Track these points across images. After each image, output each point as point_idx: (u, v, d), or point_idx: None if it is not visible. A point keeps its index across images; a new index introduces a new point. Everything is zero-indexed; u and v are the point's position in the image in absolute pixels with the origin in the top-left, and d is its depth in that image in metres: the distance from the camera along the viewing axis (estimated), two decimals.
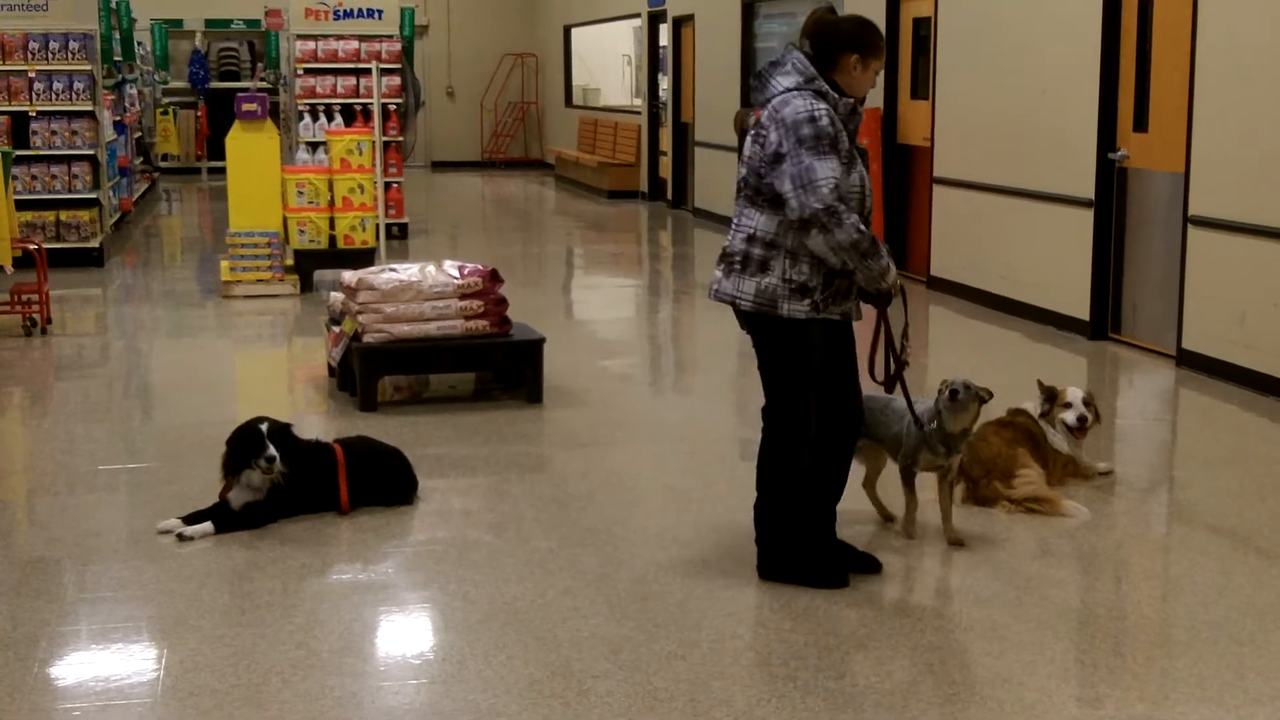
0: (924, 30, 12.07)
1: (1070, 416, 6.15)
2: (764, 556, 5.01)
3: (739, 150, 15.66)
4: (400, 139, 15.71)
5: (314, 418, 7.47)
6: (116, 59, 15.83)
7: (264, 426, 5.65)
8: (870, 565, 5.10)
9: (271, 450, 5.58)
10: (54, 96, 13.16)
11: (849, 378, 5.07)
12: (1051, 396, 6.23)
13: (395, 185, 15.29)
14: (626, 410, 7.77)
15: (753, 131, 4.80)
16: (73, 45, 13.19)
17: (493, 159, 27.04)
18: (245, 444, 5.64)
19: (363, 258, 11.34)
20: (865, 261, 4.77)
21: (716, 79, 17.15)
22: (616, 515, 5.82)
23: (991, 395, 5.53)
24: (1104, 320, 9.53)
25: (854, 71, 4.84)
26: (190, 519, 5.57)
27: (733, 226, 4.89)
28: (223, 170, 12.30)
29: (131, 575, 5.13)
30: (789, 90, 4.74)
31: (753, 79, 4.90)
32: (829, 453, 5.05)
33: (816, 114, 4.66)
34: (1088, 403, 6.22)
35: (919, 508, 5.53)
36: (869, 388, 5.21)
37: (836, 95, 4.77)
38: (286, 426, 5.76)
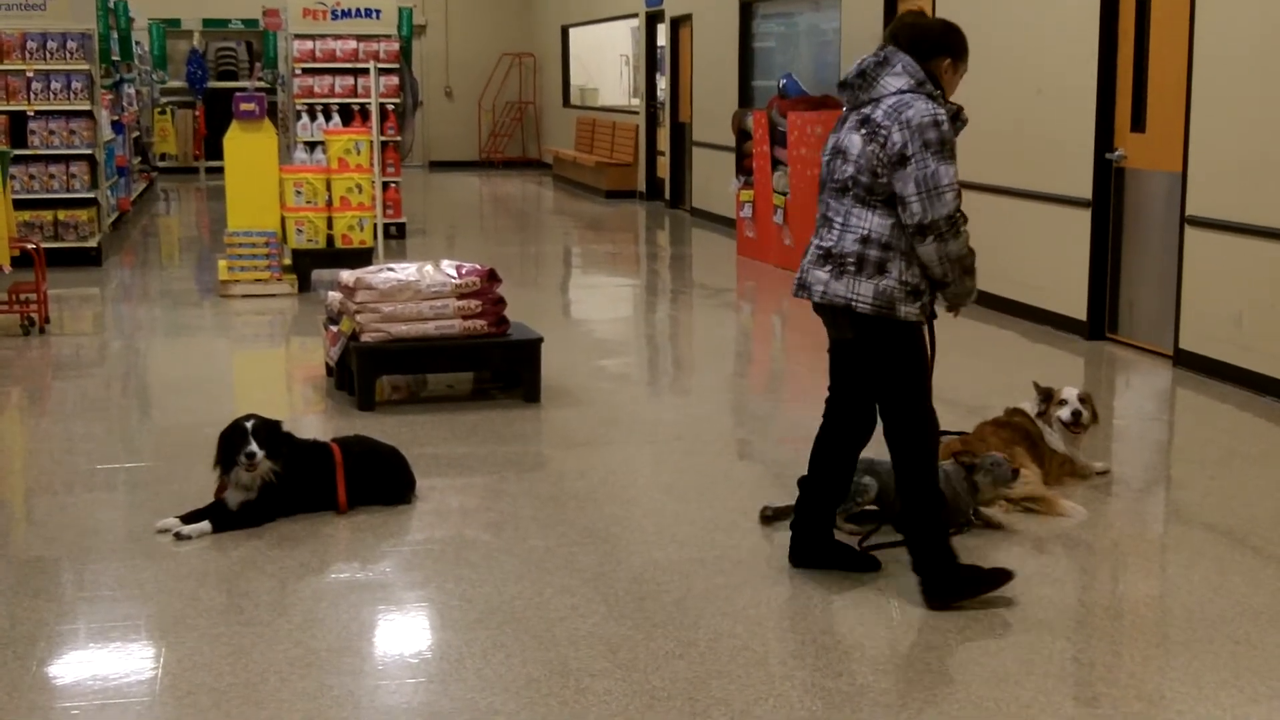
0: None
1: (1065, 412, 6.17)
2: (932, 583, 4.80)
3: (737, 149, 15.62)
4: (398, 139, 15.71)
5: (312, 417, 7.48)
6: (114, 59, 15.83)
7: (249, 424, 5.65)
8: (869, 565, 5.11)
9: (252, 446, 5.57)
10: (52, 96, 13.16)
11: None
12: (1048, 396, 6.25)
13: (393, 185, 15.30)
14: (624, 410, 7.77)
15: (864, 131, 4.65)
16: (70, 45, 13.19)
17: (490, 159, 27.05)
18: (231, 442, 5.65)
19: (360, 257, 11.34)
20: (964, 277, 4.72)
21: (714, 79, 17.15)
22: (614, 514, 5.83)
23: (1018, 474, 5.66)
24: (1101, 320, 9.54)
25: (945, 75, 4.78)
26: (188, 518, 5.58)
27: (836, 226, 4.74)
28: (220, 170, 12.31)
29: (129, 574, 5.13)
30: (904, 91, 4.64)
31: (852, 75, 4.75)
32: (841, 454, 5.04)
33: (940, 118, 4.59)
34: (1083, 400, 6.24)
35: None
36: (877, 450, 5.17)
37: (943, 100, 4.72)
38: (274, 423, 5.75)
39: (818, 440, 5.12)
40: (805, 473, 5.18)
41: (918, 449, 4.85)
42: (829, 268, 4.73)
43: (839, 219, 4.75)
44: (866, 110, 4.70)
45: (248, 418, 5.70)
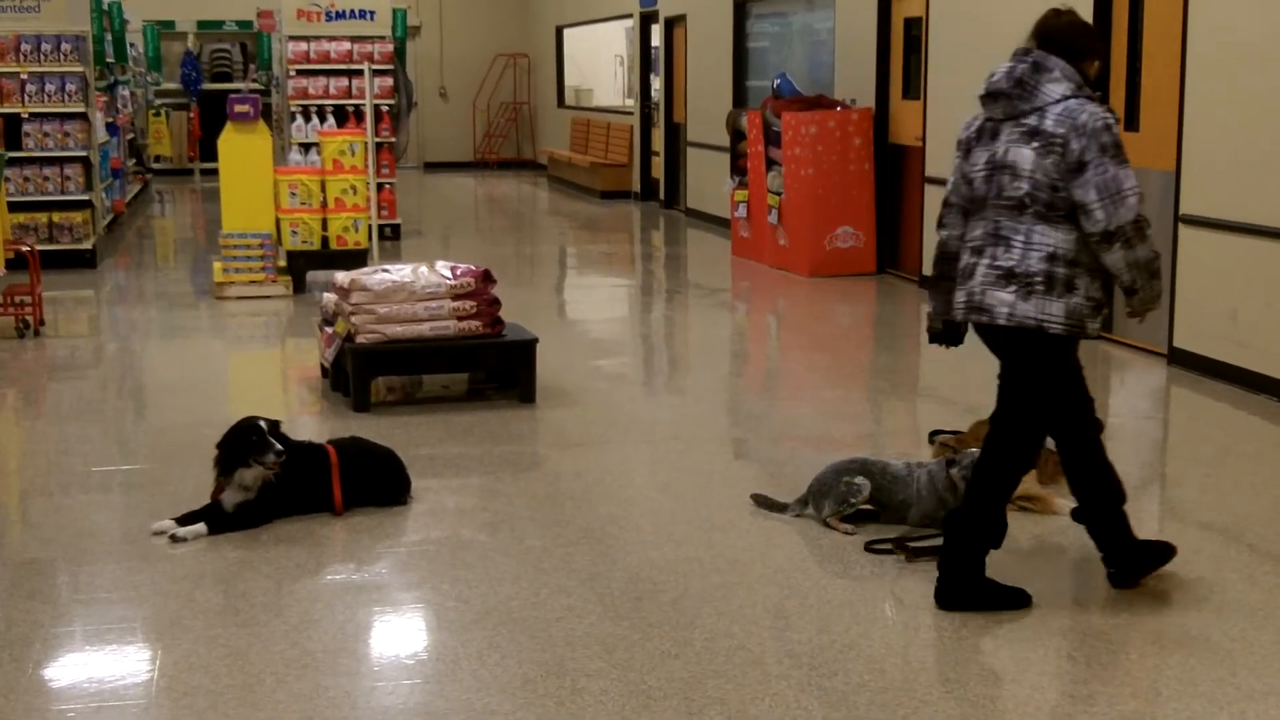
0: (915, 30, 12.10)
1: None
2: (958, 591, 4.76)
3: (731, 150, 15.62)
4: (393, 140, 15.70)
5: (307, 418, 7.47)
6: (109, 61, 15.82)
7: (263, 424, 5.67)
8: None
9: (279, 445, 5.60)
10: (46, 98, 13.15)
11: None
12: None
13: (388, 186, 15.29)
14: (619, 410, 7.78)
15: (1036, 144, 4.49)
16: (65, 47, 13.19)
17: (485, 160, 27.04)
18: (243, 442, 5.64)
19: (355, 259, 11.34)
20: (1152, 281, 4.60)
21: (708, 79, 17.15)
22: (610, 514, 5.83)
23: None
24: None
25: (1092, 77, 4.67)
26: (183, 520, 5.58)
27: (1017, 245, 4.56)
28: (215, 172, 12.29)
29: (125, 576, 5.13)
30: (1068, 98, 4.51)
31: (1006, 85, 4.58)
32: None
33: (1110, 121, 4.47)
34: None
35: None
36: (852, 449, 5.20)
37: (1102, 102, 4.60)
38: (278, 424, 5.78)
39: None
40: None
41: (1018, 467, 4.79)
42: (1013, 288, 4.55)
43: (1019, 237, 4.56)
44: (1031, 121, 4.53)
45: (255, 419, 5.71)
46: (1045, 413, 4.76)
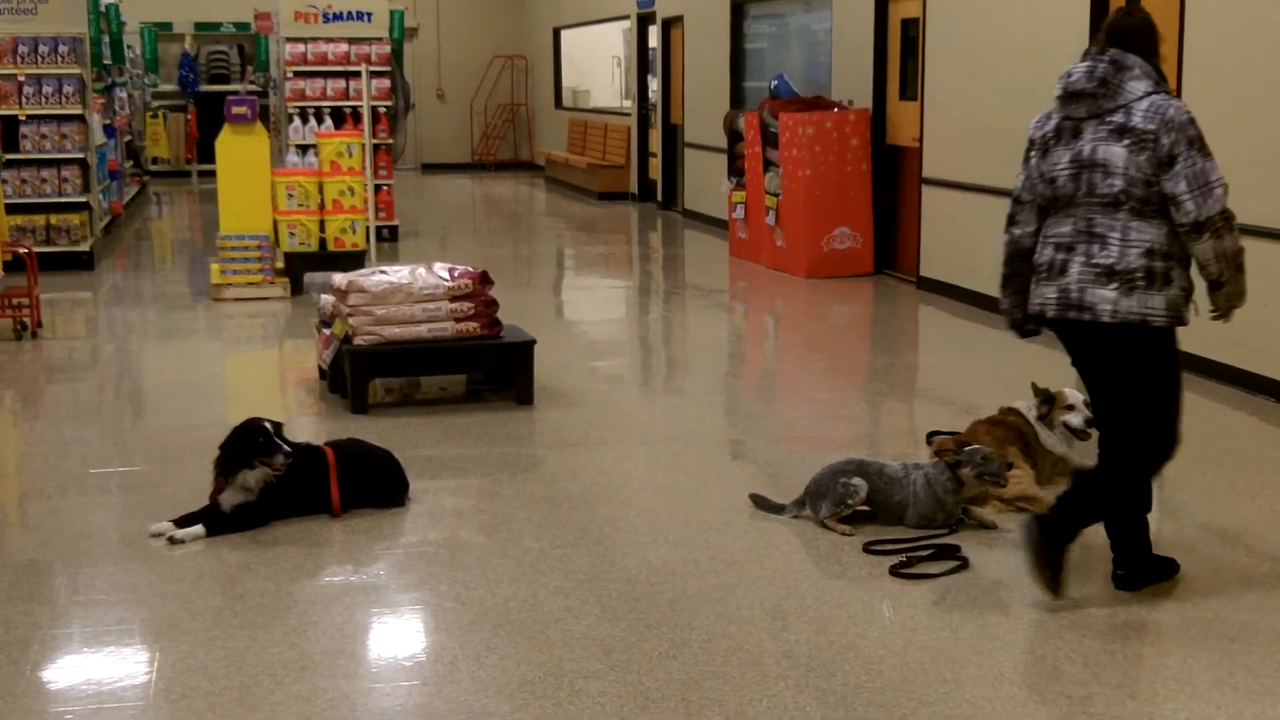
0: (912, 31, 12.10)
1: (1077, 419, 6.16)
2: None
3: (729, 150, 15.60)
4: (390, 141, 15.71)
5: (305, 420, 7.47)
6: (106, 62, 15.81)
7: (269, 425, 5.67)
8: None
9: (288, 446, 5.61)
10: (43, 100, 13.14)
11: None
12: (1049, 399, 6.24)
13: (385, 188, 15.29)
14: (617, 411, 7.78)
15: (1127, 141, 4.58)
16: (62, 49, 13.18)
17: (483, 161, 27.05)
18: (249, 444, 5.64)
19: (353, 260, 11.34)
20: (1238, 275, 4.68)
21: (706, 80, 17.16)
22: (608, 515, 5.83)
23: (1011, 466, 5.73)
24: None
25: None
26: (181, 521, 5.58)
27: (1114, 241, 4.63)
28: (213, 173, 12.29)
29: (123, 578, 5.13)
30: (1151, 93, 4.61)
31: (1089, 84, 4.68)
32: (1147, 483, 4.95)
33: (1192, 115, 4.57)
34: (1087, 404, 6.24)
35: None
36: (849, 450, 5.20)
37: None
38: (281, 426, 5.78)
39: (1110, 479, 4.91)
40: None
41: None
42: (1115, 285, 4.61)
43: (1115, 234, 4.64)
44: (1117, 118, 4.62)
45: (260, 420, 5.71)
46: (1159, 397, 4.78)
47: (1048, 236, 4.84)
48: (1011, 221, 4.99)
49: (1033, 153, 4.90)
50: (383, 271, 7.75)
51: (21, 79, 13.08)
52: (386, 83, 15.58)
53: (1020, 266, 5.00)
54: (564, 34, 24.93)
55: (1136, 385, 4.73)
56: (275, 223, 11.69)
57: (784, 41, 15.58)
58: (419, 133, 25.80)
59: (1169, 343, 4.74)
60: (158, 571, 5.19)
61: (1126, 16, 4.81)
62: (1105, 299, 4.63)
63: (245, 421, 5.75)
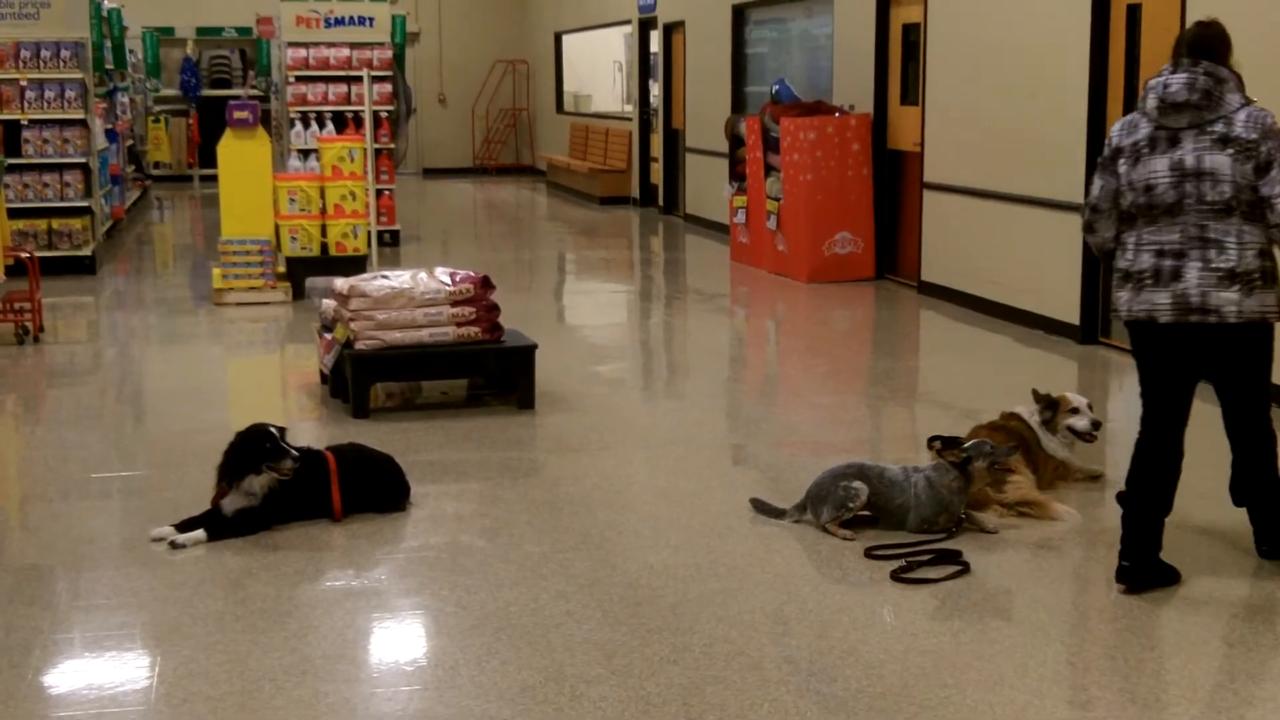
0: (913, 36, 12.11)
1: (1083, 423, 6.18)
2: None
3: (730, 155, 15.59)
4: (392, 146, 15.71)
5: (306, 424, 7.48)
6: (108, 67, 15.82)
7: (274, 430, 5.67)
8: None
9: (295, 450, 5.61)
10: (46, 105, 13.15)
11: None
12: (1052, 404, 6.24)
13: (387, 192, 15.30)
14: (618, 415, 7.78)
15: (1231, 150, 4.78)
16: (64, 53, 13.19)
17: (484, 165, 27.06)
18: (256, 449, 5.64)
19: (354, 265, 11.34)
20: None
21: (707, 85, 17.17)
22: (609, 519, 5.84)
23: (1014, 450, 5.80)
24: (1094, 324, 9.55)
25: None
26: (183, 526, 5.58)
27: (1231, 246, 4.81)
28: (214, 178, 12.28)
29: (124, 582, 5.13)
30: (1245, 104, 4.85)
31: (1190, 97, 4.84)
32: (1174, 479, 5.14)
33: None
34: (1090, 407, 6.25)
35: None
36: (851, 454, 5.21)
37: None
38: (284, 431, 5.79)
39: (1152, 479, 5.11)
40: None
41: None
42: (1237, 287, 4.81)
43: (1230, 239, 4.82)
44: (1218, 128, 4.82)
45: (265, 425, 5.71)
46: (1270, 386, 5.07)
47: (1144, 244, 4.95)
48: (1089, 229, 5.15)
49: (1122, 160, 5.00)
50: (384, 276, 7.76)
51: (24, 83, 13.09)
52: (388, 87, 15.59)
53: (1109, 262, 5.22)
54: (565, 39, 24.95)
55: (1264, 378, 5.03)
56: (277, 227, 11.70)
57: (785, 46, 15.59)
58: (420, 137, 25.81)
59: (1272, 335, 5.01)
60: (159, 576, 5.19)
61: (1207, 28, 5.02)
62: (1230, 301, 4.82)
63: (251, 426, 5.75)
